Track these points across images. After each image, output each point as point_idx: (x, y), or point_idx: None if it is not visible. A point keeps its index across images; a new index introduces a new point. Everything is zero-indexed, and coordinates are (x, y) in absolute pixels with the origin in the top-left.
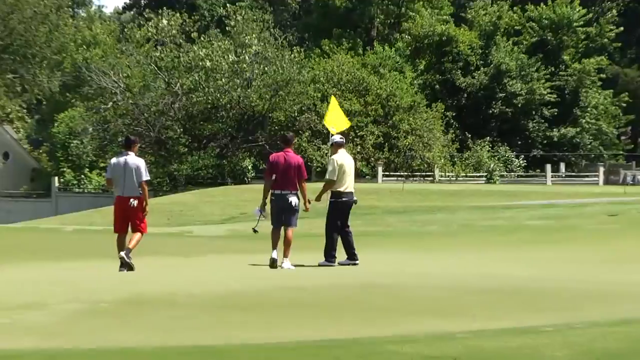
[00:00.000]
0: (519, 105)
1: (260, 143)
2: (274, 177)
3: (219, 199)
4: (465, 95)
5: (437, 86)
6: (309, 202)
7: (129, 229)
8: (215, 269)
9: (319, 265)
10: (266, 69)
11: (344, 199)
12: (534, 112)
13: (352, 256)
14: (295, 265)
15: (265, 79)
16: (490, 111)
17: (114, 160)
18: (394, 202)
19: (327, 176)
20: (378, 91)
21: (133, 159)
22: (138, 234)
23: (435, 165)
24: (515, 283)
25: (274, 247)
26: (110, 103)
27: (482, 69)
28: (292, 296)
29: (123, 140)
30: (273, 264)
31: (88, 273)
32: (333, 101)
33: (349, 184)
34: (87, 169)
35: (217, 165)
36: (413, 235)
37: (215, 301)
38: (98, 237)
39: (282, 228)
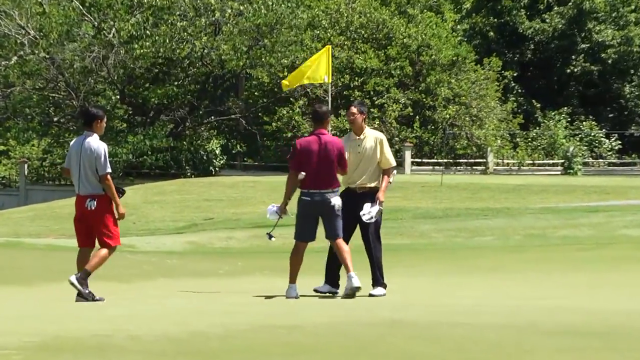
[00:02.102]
0: (610, 62)
1: (233, 116)
2: (302, 174)
3: (173, 198)
4: (532, 46)
5: (491, 33)
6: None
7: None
8: (168, 299)
9: (371, 296)
10: (243, 7)
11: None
12: (631, 72)
13: (334, 281)
14: (284, 296)
15: (242, 23)
16: (569, 70)
17: (72, 143)
18: (430, 202)
19: (393, 161)
20: (405, 41)
21: (93, 142)
22: (104, 251)
23: (489, 149)
24: (606, 319)
25: (293, 278)
26: (14, 58)
27: (555, 8)
28: (281, 338)
29: (81, 115)
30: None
31: None
32: (325, 52)
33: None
34: None
35: (171, 149)
36: (457, 250)
37: (166, 346)
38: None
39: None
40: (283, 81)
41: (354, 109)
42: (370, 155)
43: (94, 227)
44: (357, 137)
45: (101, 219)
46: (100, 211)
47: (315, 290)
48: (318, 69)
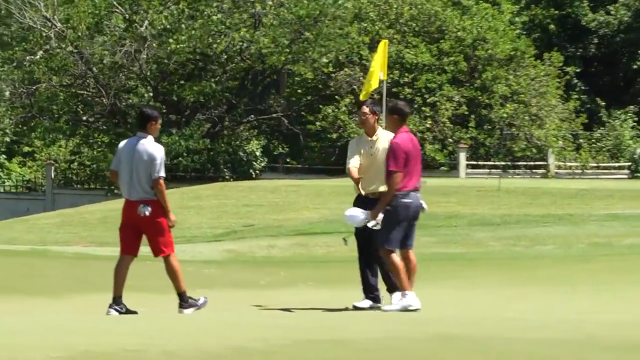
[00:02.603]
0: None
1: (274, 115)
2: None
3: (211, 203)
4: (596, 40)
5: (552, 26)
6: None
7: (139, 251)
8: (206, 312)
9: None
10: None
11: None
12: None
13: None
14: (328, 310)
15: (283, 14)
16: (636, 65)
17: (121, 144)
18: (486, 208)
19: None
20: (459, 34)
21: (148, 144)
22: (171, 265)
23: (550, 151)
24: None
25: (406, 284)
26: (40, 52)
27: None
28: (326, 354)
29: (137, 115)
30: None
31: (12, 319)
32: (382, 48)
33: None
34: (4, 157)
35: (208, 150)
36: (515, 259)
37: None
38: (24, 261)
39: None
40: (362, 94)
41: (366, 109)
42: (383, 158)
43: (148, 235)
44: (370, 138)
45: (156, 226)
46: (154, 217)
47: (355, 307)
48: (377, 66)
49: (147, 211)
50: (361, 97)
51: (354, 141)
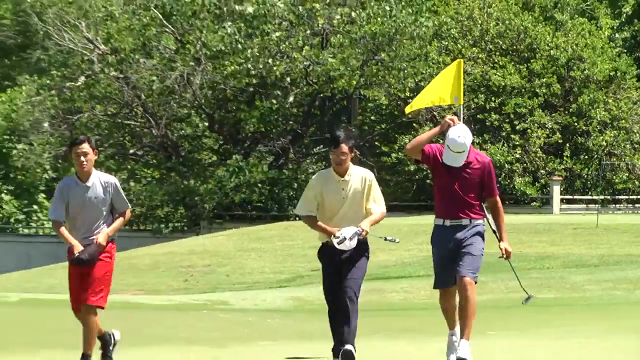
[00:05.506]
0: None
1: None
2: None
3: (274, 245)
4: None
5: None
6: None
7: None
8: None
9: None
10: (354, 14)
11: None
12: None
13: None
14: None
15: (354, 32)
16: None
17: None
18: (582, 248)
19: (383, 207)
20: (552, 52)
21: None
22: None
23: None
24: None
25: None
26: (82, 78)
27: None
28: None
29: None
30: None
31: None
32: (455, 67)
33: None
34: (43, 196)
35: (271, 185)
36: (616, 305)
37: None
38: (60, 312)
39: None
40: (408, 106)
41: (345, 147)
42: (357, 201)
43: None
44: (341, 179)
45: None
46: None
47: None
48: (447, 87)
49: None
50: (406, 111)
51: (317, 180)
